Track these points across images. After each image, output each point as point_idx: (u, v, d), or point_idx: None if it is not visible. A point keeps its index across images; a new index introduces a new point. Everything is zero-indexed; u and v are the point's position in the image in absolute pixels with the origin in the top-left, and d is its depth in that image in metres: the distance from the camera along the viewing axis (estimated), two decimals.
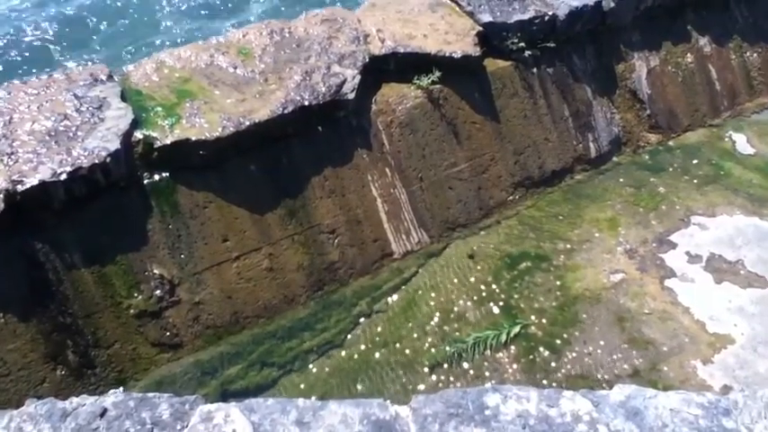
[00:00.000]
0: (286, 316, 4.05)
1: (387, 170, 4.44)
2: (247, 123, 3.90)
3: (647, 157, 5.29)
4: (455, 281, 4.30)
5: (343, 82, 4.28)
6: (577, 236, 4.59)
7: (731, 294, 4.23)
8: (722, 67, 5.77)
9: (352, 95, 4.27)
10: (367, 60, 4.44)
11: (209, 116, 3.89)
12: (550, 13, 4.89)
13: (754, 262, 4.43)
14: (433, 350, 3.95)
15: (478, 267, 4.37)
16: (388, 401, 2.38)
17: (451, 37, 4.72)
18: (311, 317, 4.06)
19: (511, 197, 4.82)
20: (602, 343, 3.96)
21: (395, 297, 4.23)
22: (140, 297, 3.70)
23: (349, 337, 4.03)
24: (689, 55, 5.63)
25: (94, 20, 8.21)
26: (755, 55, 5.95)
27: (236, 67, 4.24)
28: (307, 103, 4.10)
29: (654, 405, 2.37)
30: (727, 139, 5.48)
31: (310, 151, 4.22)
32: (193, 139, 3.78)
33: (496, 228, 4.65)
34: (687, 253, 4.49)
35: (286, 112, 4.03)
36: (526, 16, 4.84)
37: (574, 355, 3.91)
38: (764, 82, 5.97)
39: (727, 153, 5.34)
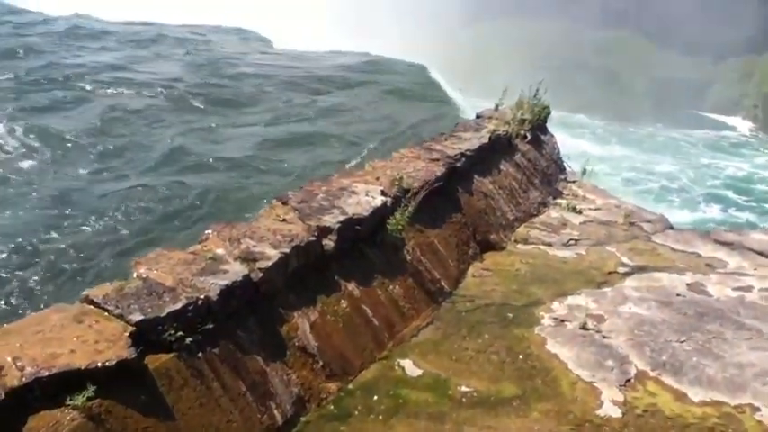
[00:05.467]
0: None
1: None
2: None
3: (332, 407, 5.41)
4: None
5: None
6: None
7: None
8: (374, 304, 6.48)
9: None
10: (3, 396, 3.89)
11: None
12: (203, 297, 5.00)
13: None
14: None
15: None
16: None
17: (103, 345, 4.46)
18: None
19: None
20: None
21: None
22: None
23: None
24: (343, 301, 6.22)
25: None
26: (397, 287, 6.85)
27: None
28: None
29: None
30: (397, 368, 5.96)
31: None
32: None
33: None
34: None
35: None
36: (179, 305, 4.86)
37: None
38: (412, 307, 6.84)
39: (401, 380, 5.77)
